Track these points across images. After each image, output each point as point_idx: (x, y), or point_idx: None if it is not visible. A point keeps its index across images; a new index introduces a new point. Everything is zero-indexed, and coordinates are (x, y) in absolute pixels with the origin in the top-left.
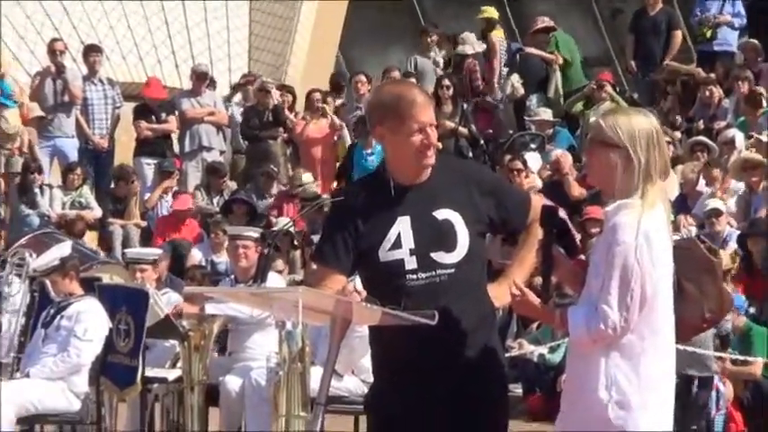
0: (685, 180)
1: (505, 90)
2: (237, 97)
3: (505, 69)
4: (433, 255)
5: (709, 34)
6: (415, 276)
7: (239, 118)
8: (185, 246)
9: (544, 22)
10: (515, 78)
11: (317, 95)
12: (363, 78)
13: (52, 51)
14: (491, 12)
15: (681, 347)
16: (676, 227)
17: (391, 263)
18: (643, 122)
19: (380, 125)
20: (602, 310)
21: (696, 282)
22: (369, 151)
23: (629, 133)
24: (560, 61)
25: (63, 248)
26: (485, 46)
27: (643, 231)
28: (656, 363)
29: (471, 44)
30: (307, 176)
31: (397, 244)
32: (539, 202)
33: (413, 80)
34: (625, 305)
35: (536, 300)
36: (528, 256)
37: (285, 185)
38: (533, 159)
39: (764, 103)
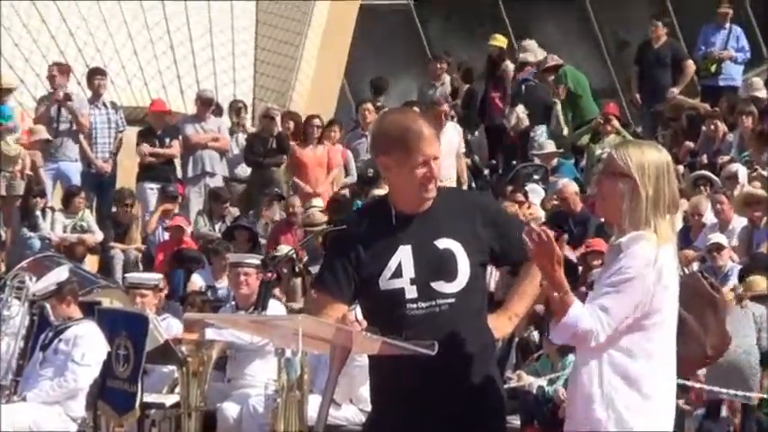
0: (691, 212)
1: (510, 121)
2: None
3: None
4: (433, 284)
5: (713, 69)
6: (415, 306)
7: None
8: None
9: (554, 60)
10: (521, 109)
11: (316, 121)
12: (370, 106)
13: (52, 77)
14: (501, 40)
15: (725, 363)
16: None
17: (392, 292)
18: (654, 155)
19: (385, 155)
20: (597, 321)
21: (699, 317)
22: None
23: (638, 164)
24: (563, 96)
25: (61, 273)
26: (545, 54)
27: (658, 267)
28: (659, 390)
29: (533, 51)
30: (317, 201)
31: (397, 273)
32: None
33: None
34: (614, 321)
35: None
36: (529, 288)
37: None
38: (536, 192)
39: None
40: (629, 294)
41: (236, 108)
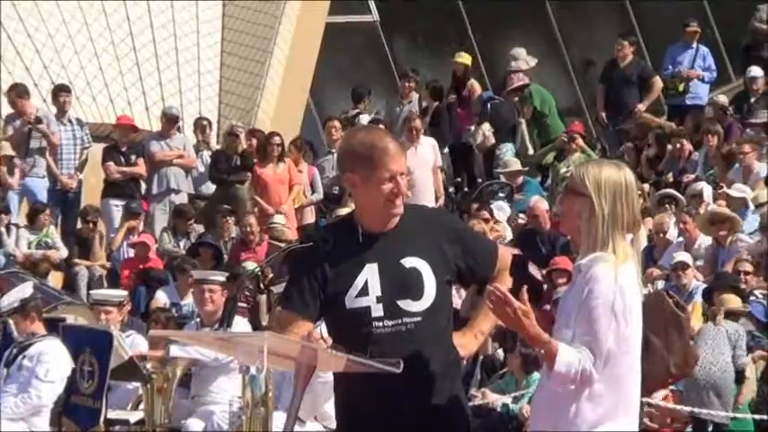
0: (655, 230)
1: (477, 138)
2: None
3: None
4: (399, 302)
5: (681, 88)
6: (381, 324)
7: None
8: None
9: (520, 80)
10: (486, 127)
11: (276, 139)
12: (337, 124)
13: (12, 102)
14: (466, 58)
15: (702, 381)
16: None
17: (358, 310)
18: (612, 174)
19: (351, 172)
20: (586, 357)
21: (663, 336)
22: None
23: (595, 182)
24: (528, 115)
25: (25, 289)
26: (536, 61)
27: (618, 285)
28: (623, 410)
29: (524, 59)
30: (279, 218)
31: (363, 291)
32: (506, 252)
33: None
34: (599, 356)
35: (532, 315)
36: None
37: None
38: (502, 210)
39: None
40: (603, 318)
41: (201, 125)
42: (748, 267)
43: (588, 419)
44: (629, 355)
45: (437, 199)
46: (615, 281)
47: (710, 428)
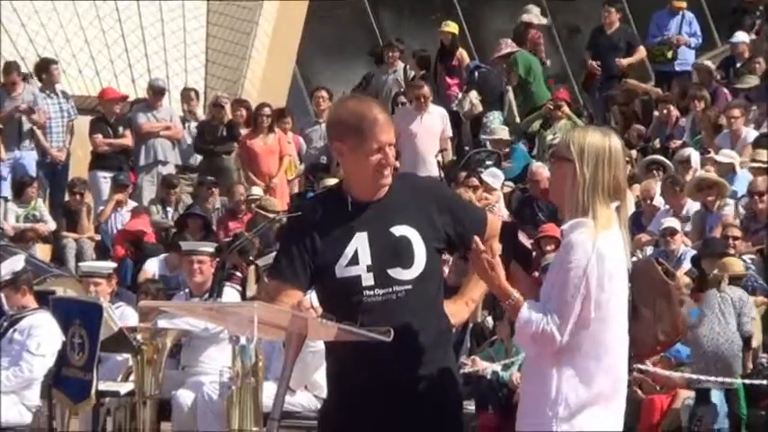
0: (642, 197)
1: (464, 107)
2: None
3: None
4: (390, 271)
5: (670, 55)
6: (371, 293)
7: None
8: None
9: (508, 45)
10: (473, 95)
11: (266, 110)
12: (325, 94)
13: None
14: (453, 27)
15: (709, 352)
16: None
17: (348, 279)
18: (597, 139)
19: (340, 141)
20: (552, 322)
21: (651, 305)
22: None
23: (579, 148)
24: (514, 82)
25: (17, 262)
26: (547, 20)
27: (596, 252)
28: (608, 381)
29: (536, 15)
30: (256, 189)
31: (354, 260)
32: (495, 220)
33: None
34: (565, 321)
35: (500, 269)
36: None
37: (238, 201)
38: (496, 176)
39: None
40: (572, 285)
41: (188, 96)
42: (736, 232)
43: (572, 383)
44: (610, 323)
45: (441, 169)
46: (593, 247)
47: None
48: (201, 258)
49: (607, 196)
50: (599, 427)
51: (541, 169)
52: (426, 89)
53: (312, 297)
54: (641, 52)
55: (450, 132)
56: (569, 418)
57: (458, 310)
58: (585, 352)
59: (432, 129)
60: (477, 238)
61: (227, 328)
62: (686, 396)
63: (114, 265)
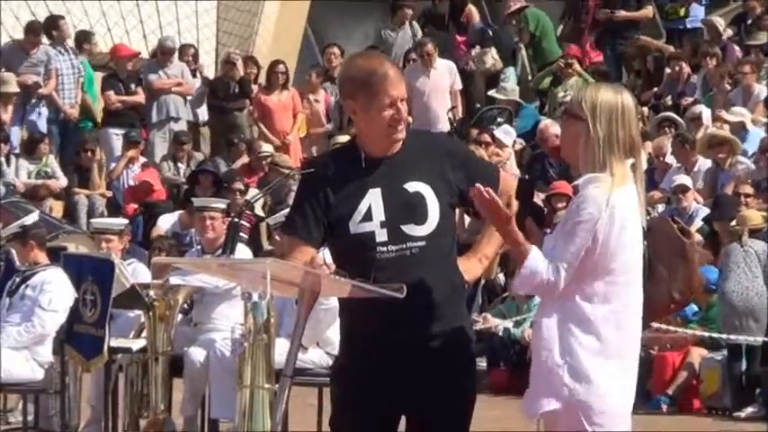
0: (654, 154)
1: (486, 63)
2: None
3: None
4: (403, 227)
5: (683, 12)
6: (385, 249)
7: None
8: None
9: (518, 1)
10: (494, 52)
11: (280, 67)
12: (336, 51)
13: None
14: None
15: (739, 307)
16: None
17: (362, 235)
18: (609, 96)
19: (351, 99)
20: (554, 270)
21: (667, 263)
22: None
23: (591, 105)
24: (526, 40)
25: (31, 218)
26: None
27: (610, 207)
28: (622, 337)
29: None
30: (266, 146)
31: (367, 216)
32: (509, 176)
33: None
34: (566, 269)
35: (509, 214)
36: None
37: (249, 157)
38: (508, 133)
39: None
40: (579, 237)
41: (186, 53)
42: (748, 190)
43: (578, 335)
44: (621, 276)
45: (451, 124)
46: (607, 202)
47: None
48: (213, 215)
49: (622, 153)
50: (609, 379)
51: (550, 127)
52: (430, 46)
53: (325, 254)
54: (648, 11)
55: (459, 85)
56: (578, 369)
57: (471, 267)
58: (595, 302)
59: (440, 84)
60: (489, 189)
61: (241, 285)
62: (699, 354)
63: (126, 221)
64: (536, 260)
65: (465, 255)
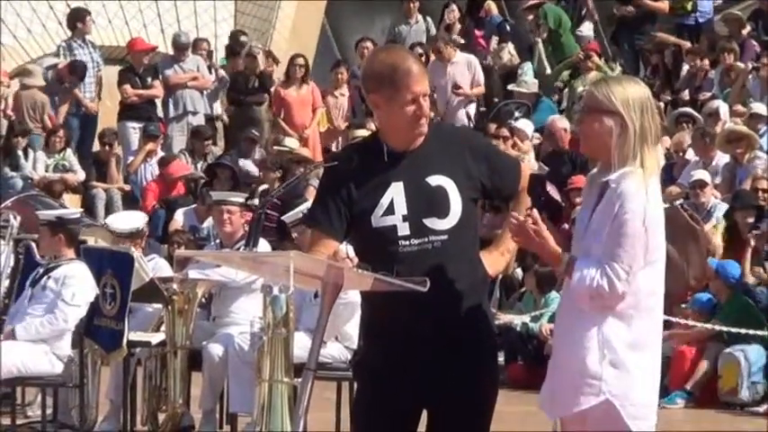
0: (674, 149)
1: (503, 57)
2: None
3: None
4: (425, 221)
5: (689, 6)
6: (407, 242)
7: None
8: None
9: None
10: (511, 47)
11: (299, 61)
12: (369, 45)
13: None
14: None
15: None
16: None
17: (384, 229)
18: (636, 89)
19: (375, 93)
20: (610, 274)
21: (681, 248)
22: None
23: (622, 99)
24: (544, 34)
25: (72, 212)
26: None
27: (648, 199)
28: (649, 325)
29: None
30: (290, 141)
31: (390, 210)
32: (527, 169)
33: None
34: (632, 272)
35: (547, 233)
36: None
37: (267, 152)
38: (528, 127)
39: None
40: (636, 236)
41: (198, 47)
42: (766, 185)
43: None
44: (655, 268)
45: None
46: (646, 194)
47: None
48: (231, 209)
49: (653, 143)
50: (644, 371)
51: (558, 122)
52: (440, 44)
53: (348, 247)
54: (664, 4)
55: (481, 77)
56: (614, 359)
57: (494, 261)
58: (633, 295)
59: (459, 80)
60: (515, 214)
61: (263, 278)
62: (717, 349)
63: (140, 224)
64: (581, 270)
65: (487, 249)
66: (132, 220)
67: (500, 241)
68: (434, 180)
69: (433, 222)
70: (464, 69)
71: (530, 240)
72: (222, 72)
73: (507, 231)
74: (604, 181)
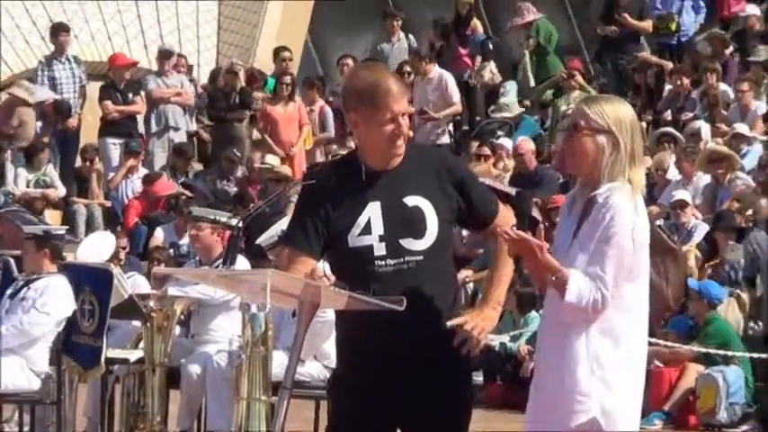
0: (655, 169)
1: (484, 77)
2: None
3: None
4: (402, 241)
5: (674, 27)
6: (383, 263)
7: None
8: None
9: (531, 12)
10: (492, 66)
11: (286, 78)
12: (350, 62)
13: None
14: None
15: None
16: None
17: (360, 248)
18: (626, 109)
19: (354, 112)
20: (601, 287)
21: (660, 269)
22: None
23: (615, 118)
24: (532, 47)
25: (59, 228)
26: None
27: (637, 214)
28: (635, 343)
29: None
30: (271, 158)
31: (366, 229)
32: (507, 211)
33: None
34: (614, 283)
35: (545, 243)
36: (504, 273)
37: (249, 170)
38: (508, 144)
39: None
40: (618, 248)
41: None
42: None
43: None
44: (641, 284)
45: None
46: (635, 209)
47: None
48: (201, 225)
49: (639, 162)
50: (628, 386)
51: (525, 144)
52: (417, 60)
53: (325, 265)
54: (647, 24)
55: (455, 95)
56: (604, 376)
57: (487, 317)
58: (620, 312)
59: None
60: (505, 228)
61: (241, 296)
62: (696, 370)
63: (106, 257)
64: (577, 285)
65: (478, 306)
66: (101, 248)
67: (489, 296)
68: (411, 200)
69: (409, 243)
70: (438, 85)
71: (530, 252)
72: (200, 89)
73: (493, 284)
74: (591, 195)
